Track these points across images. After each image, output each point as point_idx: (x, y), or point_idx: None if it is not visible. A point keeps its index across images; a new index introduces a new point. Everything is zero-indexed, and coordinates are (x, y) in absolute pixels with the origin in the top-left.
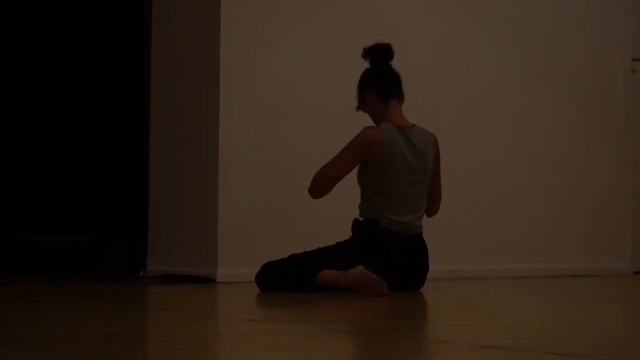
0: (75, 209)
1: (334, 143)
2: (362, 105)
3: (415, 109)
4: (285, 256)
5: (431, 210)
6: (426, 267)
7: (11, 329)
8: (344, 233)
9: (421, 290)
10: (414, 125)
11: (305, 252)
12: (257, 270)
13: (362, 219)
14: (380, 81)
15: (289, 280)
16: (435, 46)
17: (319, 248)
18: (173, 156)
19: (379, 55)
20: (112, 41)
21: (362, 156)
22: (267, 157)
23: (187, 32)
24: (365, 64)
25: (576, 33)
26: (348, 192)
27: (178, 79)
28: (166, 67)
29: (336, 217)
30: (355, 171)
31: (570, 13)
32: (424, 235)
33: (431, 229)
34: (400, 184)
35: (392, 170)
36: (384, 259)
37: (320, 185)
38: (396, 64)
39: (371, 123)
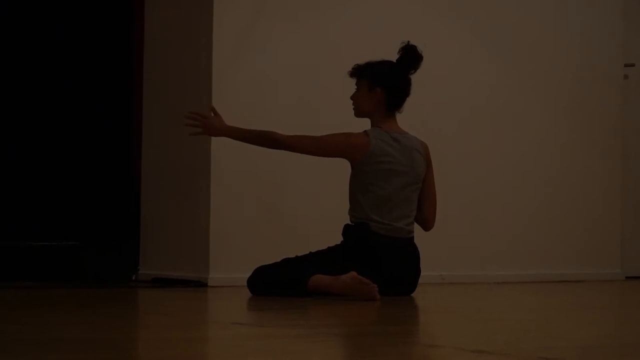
0: (66, 212)
1: None
2: (357, 93)
3: (408, 118)
4: (277, 260)
5: (428, 222)
6: (417, 272)
7: None
8: (337, 237)
9: (412, 295)
10: (405, 132)
11: (297, 256)
12: (249, 274)
13: (352, 223)
14: (396, 89)
15: (281, 284)
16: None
17: (310, 253)
18: (165, 160)
19: (410, 59)
20: (102, 46)
21: (344, 153)
22: (259, 160)
23: (178, 37)
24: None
25: (569, 39)
26: (340, 196)
27: (170, 80)
28: (158, 69)
29: (328, 221)
30: (347, 175)
31: (563, 19)
32: (415, 240)
33: (423, 234)
34: (388, 187)
35: (380, 175)
36: (374, 262)
37: (289, 149)
38: None
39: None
